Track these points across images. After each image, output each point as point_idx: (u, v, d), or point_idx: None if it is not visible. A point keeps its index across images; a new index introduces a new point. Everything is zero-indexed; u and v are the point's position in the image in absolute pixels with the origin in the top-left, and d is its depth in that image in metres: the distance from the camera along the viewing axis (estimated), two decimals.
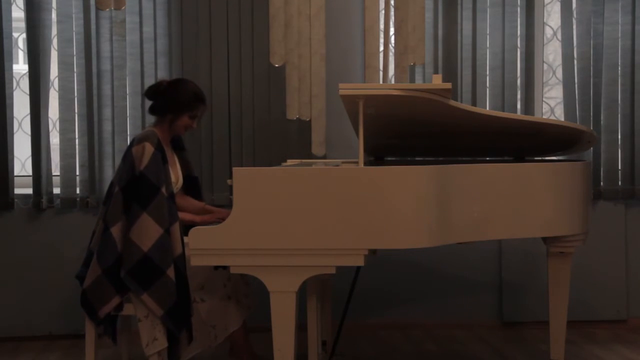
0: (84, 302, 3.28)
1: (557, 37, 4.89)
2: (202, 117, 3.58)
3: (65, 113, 4.40)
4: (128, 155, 3.28)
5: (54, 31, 4.41)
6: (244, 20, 4.44)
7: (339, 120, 4.37)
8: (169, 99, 3.41)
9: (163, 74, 4.41)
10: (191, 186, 3.65)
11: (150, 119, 4.38)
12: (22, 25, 4.37)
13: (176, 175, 3.50)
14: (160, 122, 3.45)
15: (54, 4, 4.39)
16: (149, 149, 3.24)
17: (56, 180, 4.44)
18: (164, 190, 3.22)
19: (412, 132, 3.64)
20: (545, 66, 4.86)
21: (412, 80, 4.54)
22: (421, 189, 2.91)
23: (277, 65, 4.45)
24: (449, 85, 3.00)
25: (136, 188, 3.21)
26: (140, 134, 3.34)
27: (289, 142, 4.49)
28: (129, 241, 3.18)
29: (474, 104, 4.55)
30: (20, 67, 5.12)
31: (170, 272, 3.17)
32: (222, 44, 4.43)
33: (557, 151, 3.97)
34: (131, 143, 3.32)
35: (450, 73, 4.55)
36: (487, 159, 4.10)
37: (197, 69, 4.41)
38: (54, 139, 4.54)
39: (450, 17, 4.56)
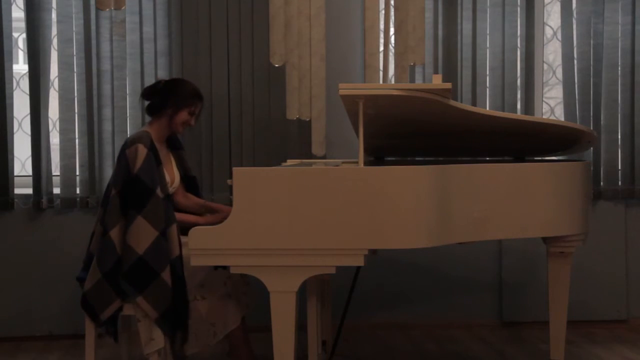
0: (84, 305, 3.28)
1: (557, 37, 4.89)
2: (200, 115, 3.58)
3: (65, 113, 4.40)
4: (122, 157, 3.29)
5: (54, 31, 4.41)
6: (244, 20, 4.43)
7: (339, 120, 4.37)
8: (168, 95, 3.41)
9: (163, 74, 4.41)
10: (189, 186, 3.65)
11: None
12: (22, 25, 4.37)
13: (171, 175, 3.49)
14: (158, 120, 3.44)
15: (54, 4, 4.39)
16: (142, 150, 3.24)
17: (56, 180, 4.44)
18: (159, 191, 3.22)
19: (412, 132, 3.64)
20: (545, 66, 4.86)
21: (412, 80, 4.54)
22: (421, 189, 2.91)
23: (277, 65, 4.45)
24: (449, 85, 3.00)
25: (131, 191, 3.22)
26: (132, 136, 3.34)
27: (289, 142, 4.48)
28: (125, 245, 3.19)
29: (474, 104, 4.55)
30: (20, 67, 5.12)
31: (166, 275, 3.17)
32: (222, 44, 4.43)
33: (557, 151, 3.97)
34: (124, 145, 3.31)
35: (450, 73, 4.55)
36: (487, 159, 4.10)
37: (197, 69, 4.41)
38: (54, 139, 4.54)
39: (450, 17, 4.56)
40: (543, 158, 4.08)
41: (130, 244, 3.17)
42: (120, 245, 3.21)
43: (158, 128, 3.44)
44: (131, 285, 3.17)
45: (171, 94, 3.42)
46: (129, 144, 3.28)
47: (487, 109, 4.56)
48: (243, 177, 2.91)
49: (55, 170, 4.48)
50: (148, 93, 3.47)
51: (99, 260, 3.24)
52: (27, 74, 4.38)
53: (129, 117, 4.43)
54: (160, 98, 3.42)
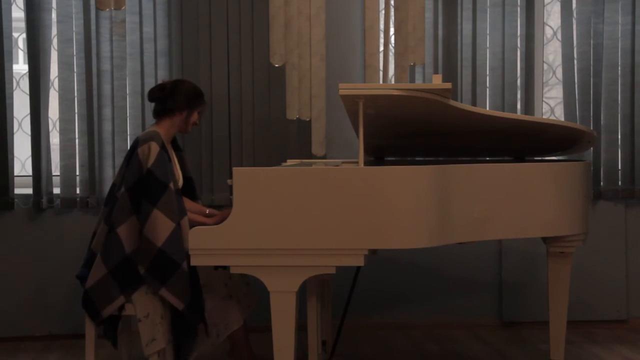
0: (85, 303, 3.27)
1: (557, 37, 4.89)
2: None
3: (65, 113, 4.40)
4: (133, 157, 3.27)
5: (54, 31, 4.41)
6: (244, 20, 4.44)
7: (339, 120, 4.37)
8: (181, 97, 3.42)
9: (163, 74, 4.41)
10: (187, 187, 3.65)
11: (150, 118, 4.41)
12: (22, 25, 4.37)
13: (177, 174, 3.51)
14: (168, 120, 3.43)
15: (54, 4, 4.39)
16: (155, 147, 3.24)
17: (56, 180, 4.44)
18: (172, 185, 3.22)
19: (412, 132, 3.64)
20: (545, 66, 4.86)
21: (412, 80, 4.54)
22: (421, 189, 2.92)
23: (277, 65, 4.45)
24: (449, 85, 3.00)
25: (144, 185, 3.21)
26: (144, 135, 3.33)
27: (289, 142, 4.48)
28: (143, 239, 3.17)
29: (474, 104, 4.55)
30: (20, 67, 5.12)
31: (185, 265, 3.16)
32: (222, 44, 4.43)
33: (557, 151, 3.97)
34: (134, 144, 3.30)
35: (450, 73, 4.55)
36: (487, 159, 4.10)
37: (197, 69, 4.41)
38: (54, 139, 4.54)
39: (450, 17, 4.56)
40: (543, 158, 4.08)
41: (149, 237, 3.14)
42: (128, 242, 3.20)
43: (168, 128, 3.43)
44: (154, 278, 3.15)
45: (183, 95, 3.42)
46: (141, 142, 3.27)
47: (487, 109, 4.56)
48: (243, 177, 2.92)
49: (55, 170, 4.48)
50: (156, 95, 3.45)
51: (104, 256, 3.23)
52: (27, 74, 4.38)
53: (129, 117, 4.43)
54: (172, 99, 3.41)
